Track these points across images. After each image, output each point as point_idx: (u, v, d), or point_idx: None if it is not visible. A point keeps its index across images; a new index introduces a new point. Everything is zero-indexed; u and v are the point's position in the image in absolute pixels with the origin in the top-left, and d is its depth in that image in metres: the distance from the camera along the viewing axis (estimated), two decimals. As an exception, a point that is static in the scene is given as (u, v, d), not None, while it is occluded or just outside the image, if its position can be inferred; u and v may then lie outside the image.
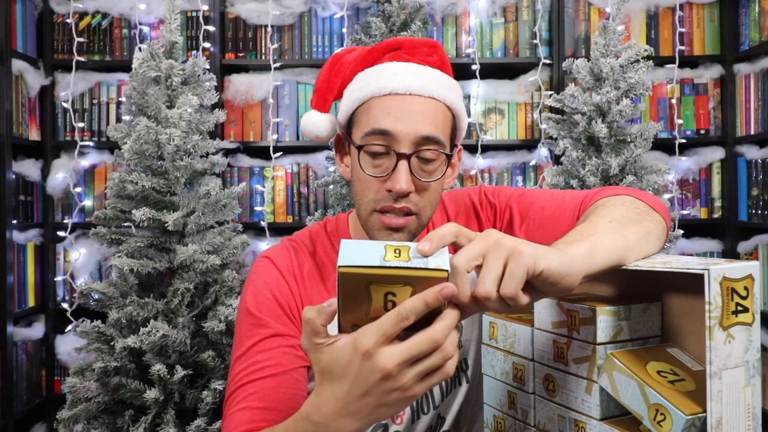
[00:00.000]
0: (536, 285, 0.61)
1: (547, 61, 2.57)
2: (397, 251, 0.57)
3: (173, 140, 1.93)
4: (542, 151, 2.57)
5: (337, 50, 0.99)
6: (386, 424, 0.94)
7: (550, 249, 0.62)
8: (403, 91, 0.87)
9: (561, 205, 0.92)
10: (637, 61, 2.16)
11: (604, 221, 0.74)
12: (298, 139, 2.66)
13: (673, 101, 2.61)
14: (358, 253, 0.57)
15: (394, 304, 0.57)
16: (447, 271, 0.56)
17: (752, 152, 2.49)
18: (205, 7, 2.56)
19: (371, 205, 0.89)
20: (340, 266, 0.56)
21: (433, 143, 0.87)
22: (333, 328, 0.60)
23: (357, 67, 0.94)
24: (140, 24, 2.59)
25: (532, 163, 2.60)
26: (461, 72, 2.62)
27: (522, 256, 0.58)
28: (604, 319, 0.67)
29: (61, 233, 2.52)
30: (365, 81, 0.91)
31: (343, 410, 0.59)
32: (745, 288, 0.60)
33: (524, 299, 0.60)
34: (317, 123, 0.98)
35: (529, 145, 2.63)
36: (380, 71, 0.90)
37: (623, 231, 0.72)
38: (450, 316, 0.57)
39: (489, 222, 1.00)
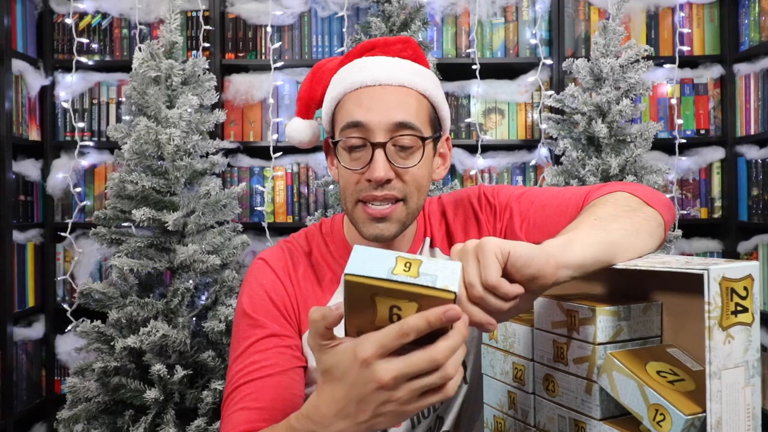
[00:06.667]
0: (514, 275, 0.62)
1: (547, 61, 2.57)
2: (408, 265, 0.56)
3: (173, 140, 1.93)
4: (542, 151, 2.57)
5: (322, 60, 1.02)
6: (384, 429, 0.94)
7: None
8: (373, 83, 0.89)
9: (562, 204, 0.91)
10: (637, 61, 2.16)
11: (589, 220, 0.74)
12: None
13: (673, 101, 2.61)
14: (368, 262, 0.56)
15: (400, 317, 0.56)
16: (454, 292, 0.55)
17: (752, 152, 2.49)
18: (205, 7, 2.56)
19: (354, 195, 0.89)
20: (346, 273, 0.55)
21: (407, 129, 0.87)
22: (341, 328, 0.60)
23: (335, 72, 0.96)
24: (140, 24, 2.59)
25: (532, 163, 2.60)
26: (461, 72, 2.62)
27: (486, 245, 0.61)
28: (604, 319, 0.67)
29: (61, 233, 2.52)
30: (338, 80, 0.93)
31: (340, 413, 0.59)
32: (745, 288, 0.60)
33: (509, 287, 0.60)
34: (299, 129, 1.01)
35: (529, 145, 2.63)
36: (350, 69, 0.92)
37: (607, 227, 0.72)
38: (454, 336, 0.57)
39: (488, 223, 0.99)
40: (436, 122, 0.94)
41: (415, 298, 0.55)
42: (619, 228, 0.72)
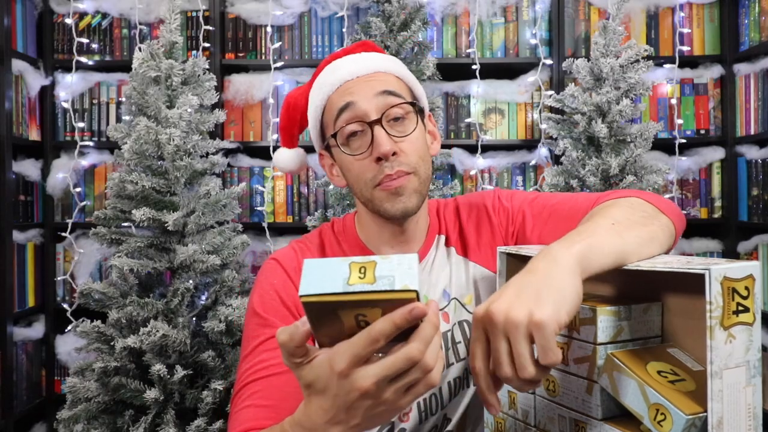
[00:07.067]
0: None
1: (547, 61, 2.57)
2: (362, 270, 0.54)
3: (173, 140, 1.93)
4: (542, 151, 2.57)
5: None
6: (392, 423, 0.94)
7: (549, 287, 0.63)
8: (351, 76, 0.93)
9: (573, 208, 0.92)
10: (637, 61, 2.16)
11: (606, 222, 0.74)
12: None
13: (673, 101, 2.61)
14: (321, 276, 0.54)
15: (367, 323, 0.56)
16: (415, 290, 0.53)
17: (752, 152, 2.49)
18: (205, 7, 2.56)
19: (370, 183, 0.92)
20: (301, 295, 0.54)
21: (393, 96, 0.91)
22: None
23: (307, 93, 1.01)
24: (140, 24, 2.59)
25: (532, 163, 2.60)
26: (461, 72, 2.62)
27: (545, 327, 0.59)
28: (605, 319, 0.67)
29: (61, 233, 2.52)
30: (317, 90, 0.97)
31: (332, 420, 0.60)
32: (746, 288, 0.60)
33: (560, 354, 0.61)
34: (286, 159, 1.07)
35: (529, 145, 2.62)
36: (325, 75, 0.96)
37: (624, 234, 0.72)
38: (427, 329, 0.56)
39: (501, 226, 1.00)
40: (415, 100, 0.99)
41: (377, 304, 0.54)
42: (636, 236, 0.73)
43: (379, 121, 0.89)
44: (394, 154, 0.89)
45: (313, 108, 0.97)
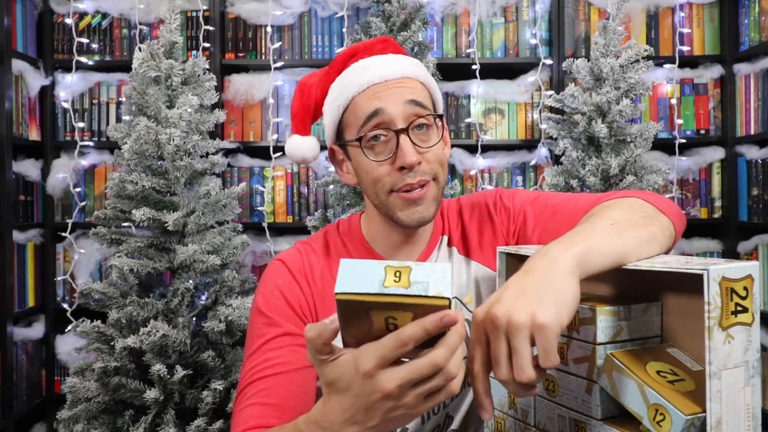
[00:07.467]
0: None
1: (547, 61, 2.57)
2: (398, 274, 0.55)
3: (173, 140, 1.93)
4: (542, 151, 2.57)
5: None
6: None
7: (550, 289, 0.62)
8: (380, 80, 0.92)
9: (574, 209, 0.92)
10: (637, 61, 2.16)
11: (605, 222, 0.74)
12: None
13: (673, 101, 2.61)
14: (357, 276, 0.55)
15: (396, 327, 0.57)
16: (448, 298, 0.55)
17: (752, 152, 2.49)
18: (205, 7, 2.56)
19: (388, 186, 0.91)
20: (337, 292, 0.55)
21: (419, 107, 0.91)
22: (338, 338, 0.60)
23: (323, 83, 0.99)
24: (140, 24, 2.59)
25: (532, 163, 2.60)
26: (461, 72, 2.62)
27: (548, 329, 0.59)
28: (604, 319, 0.67)
29: (61, 233, 2.52)
30: (342, 87, 0.95)
31: (350, 420, 0.60)
32: (745, 288, 0.60)
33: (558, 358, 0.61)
34: (301, 146, 1.03)
35: (529, 145, 2.63)
36: (352, 73, 0.95)
37: (623, 234, 0.72)
38: (453, 337, 0.57)
39: (502, 225, 1.01)
40: (434, 106, 0.99)
41: (410, 308, 0.55)
42: (634, 237, 0.73)
43: (405, 130, 0.89)
44: (418, 163, 0.90)
45: (336, 105, 0.95)
